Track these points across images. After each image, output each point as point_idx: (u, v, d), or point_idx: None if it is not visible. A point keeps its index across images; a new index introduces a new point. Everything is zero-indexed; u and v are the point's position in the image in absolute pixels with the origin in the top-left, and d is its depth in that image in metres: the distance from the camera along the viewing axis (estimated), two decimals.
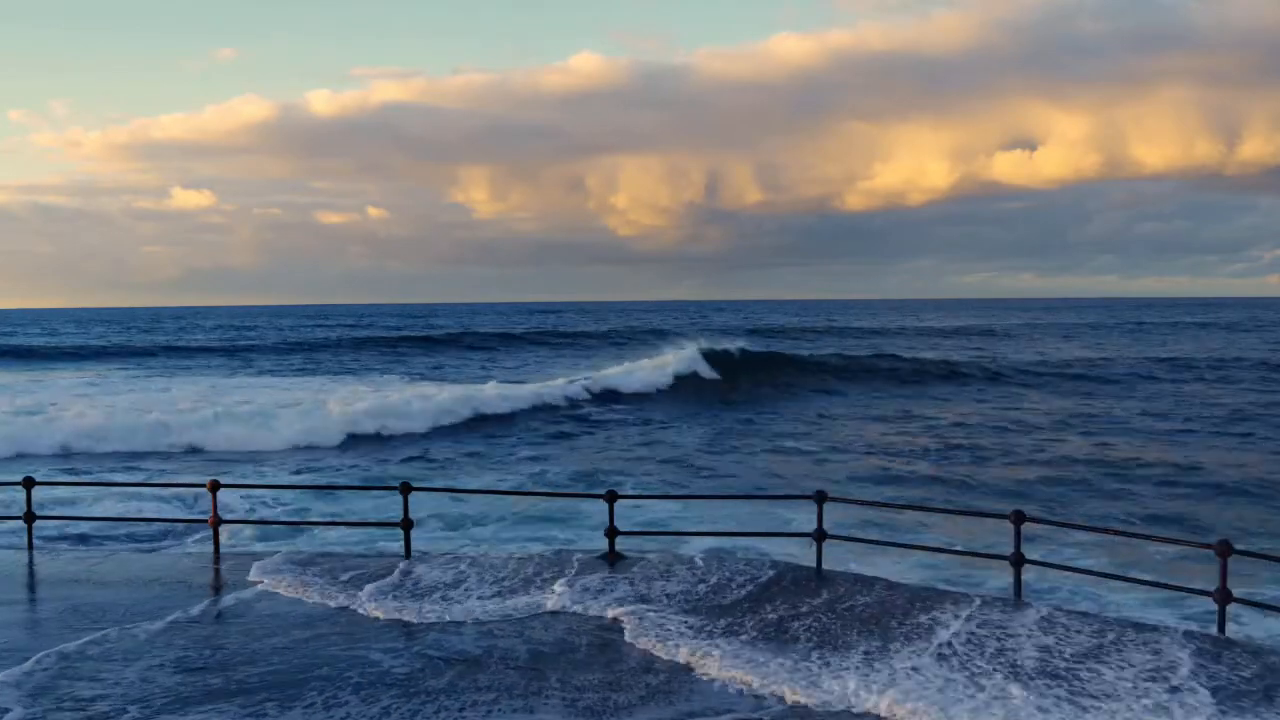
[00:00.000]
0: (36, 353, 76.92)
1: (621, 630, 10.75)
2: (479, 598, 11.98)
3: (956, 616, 10.73)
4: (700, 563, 13.26)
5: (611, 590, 12.08)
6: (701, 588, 12.11)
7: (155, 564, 14.04)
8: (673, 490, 24.64)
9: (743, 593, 11.92)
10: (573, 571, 12.81)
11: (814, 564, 12.91)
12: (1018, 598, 11.54)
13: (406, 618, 11.30)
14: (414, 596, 12.03)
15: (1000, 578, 14.57)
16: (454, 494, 21.84)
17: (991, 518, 15.07)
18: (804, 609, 11.25)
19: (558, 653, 10.13)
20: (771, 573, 12.65)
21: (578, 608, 11.51)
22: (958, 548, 16.32)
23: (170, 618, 11.06)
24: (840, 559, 16.47)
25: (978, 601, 11.30)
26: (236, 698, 8.80)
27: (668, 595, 11.85)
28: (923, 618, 10.74)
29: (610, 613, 11.28)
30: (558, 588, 12.14)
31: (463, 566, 13.24)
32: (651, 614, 11.14)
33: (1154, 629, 10.47)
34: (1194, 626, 11.37)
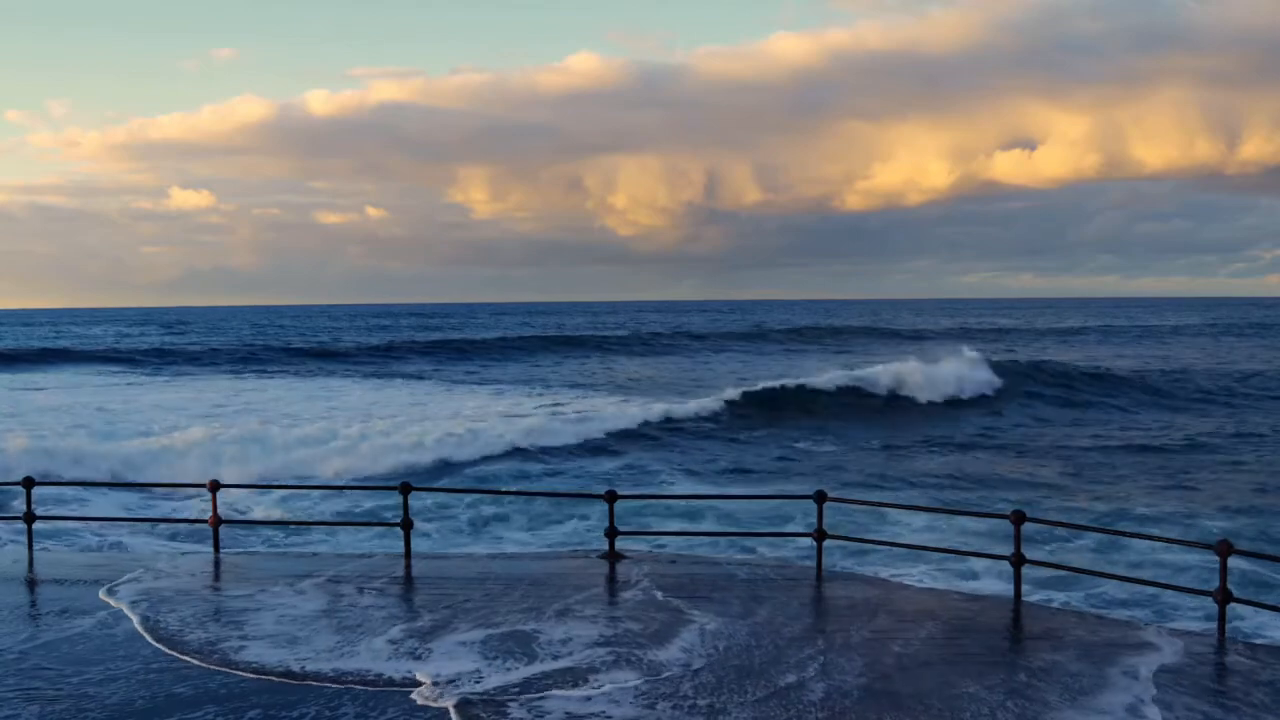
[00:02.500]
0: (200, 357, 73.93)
1: None
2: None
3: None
4: (715, 576, 12.73)
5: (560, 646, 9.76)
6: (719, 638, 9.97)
7: (165, 563, 14.03)
8: None
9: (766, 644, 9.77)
10: (557, 599, 11.37)
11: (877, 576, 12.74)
12: (1017, 597, 11.51)
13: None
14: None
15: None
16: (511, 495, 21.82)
17: (991, 517, 15.09)
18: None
19: None
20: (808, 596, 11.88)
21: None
22: (960, 547, 16.33)
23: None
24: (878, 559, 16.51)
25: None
26: None
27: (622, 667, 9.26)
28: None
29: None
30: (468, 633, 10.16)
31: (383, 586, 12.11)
32: None
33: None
34: (1194, 627, 11.39)
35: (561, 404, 43.64)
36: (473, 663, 9.38)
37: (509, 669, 9.22)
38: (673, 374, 64.10)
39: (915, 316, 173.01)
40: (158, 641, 10.08)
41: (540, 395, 48.75)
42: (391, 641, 10.02)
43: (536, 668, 9.25)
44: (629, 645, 9.86)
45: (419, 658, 9.56)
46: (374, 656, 9.60)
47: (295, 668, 9.32)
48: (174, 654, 9.70)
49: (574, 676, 9.01)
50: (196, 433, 31.82)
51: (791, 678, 8.92)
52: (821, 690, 8.61)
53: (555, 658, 9.54)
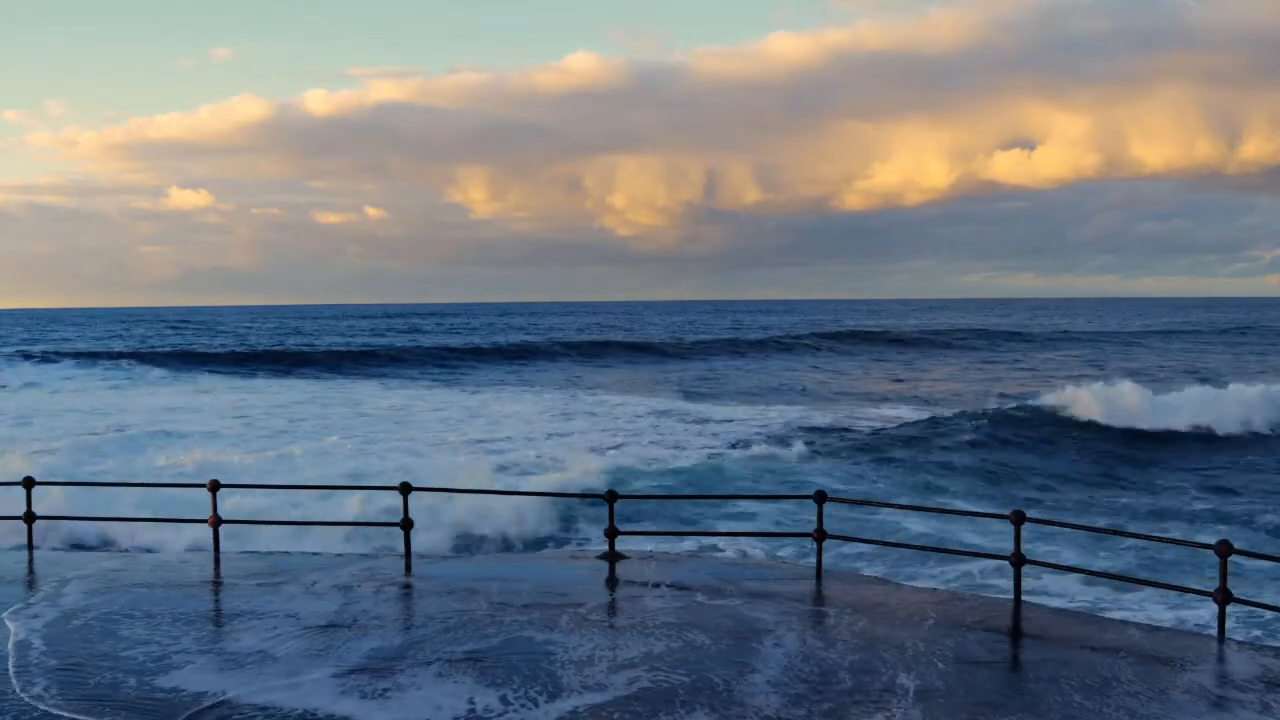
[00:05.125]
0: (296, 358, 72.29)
1: None
2: None
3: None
4: (721, 577, 12.30)
5: None
6: None
7: (160, 565, 14.03)
8: None
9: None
10: (568, 605, 10.67)
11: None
12: (1017, 598, 11.49)
13: None
14: None
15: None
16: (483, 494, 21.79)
17: (992, 518, 15.09)
18: None
19: None
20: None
21: None
22: (959, 547, 16.34)
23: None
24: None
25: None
26: None
27: None
28: None
29: None
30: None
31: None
32: None
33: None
34: (1194, 627, 11.38)
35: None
36: (470, 696, 8.01)
37: (530, 704, 7.85)
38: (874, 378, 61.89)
39: (1019, 319, 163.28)
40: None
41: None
42: (357, 665, 8.99)
43: (565, 704, 7.84)
44: (666, 665, 8.93)
45: (385, 691, 8.31)
46: (325, 687, 8.39)
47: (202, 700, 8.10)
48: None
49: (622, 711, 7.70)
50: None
51: (895, 694, 8.28)
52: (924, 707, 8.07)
53: (586, 688, 8.27)
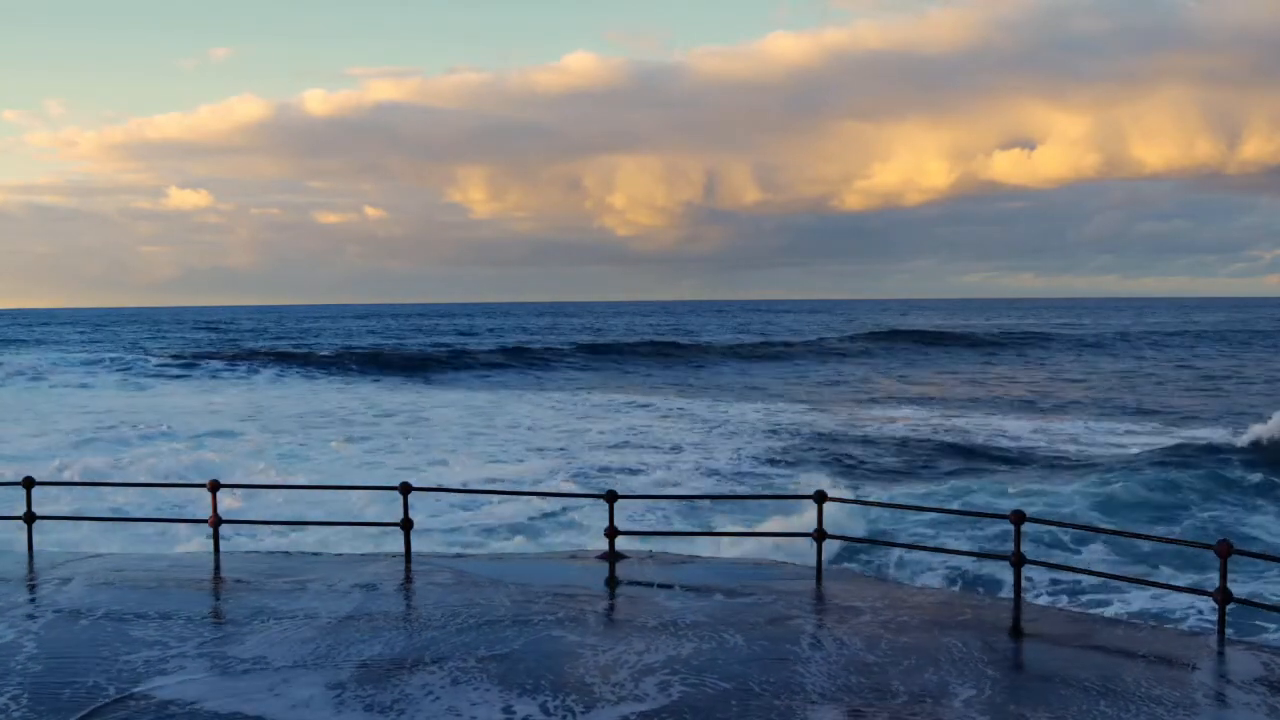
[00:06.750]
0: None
1: None
2: None
3: None
4: (726, 577, 12.12)
5: None
6: None
7: (160, 566, 14.03)
8: None
9: None
10: (577, 606, 10.37)
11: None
12: (1017, 599, 11.49)
13: None
14: None
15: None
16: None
17: (991, 517, 15.09)
18: None
19: None
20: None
21: None
22: (959, 547, 16.33)
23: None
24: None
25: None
26: None
27: None
28: None
29: None
30: None
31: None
32: None
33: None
34: (1193, 626, 11.38)
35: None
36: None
37: (568, 713, 7.52)
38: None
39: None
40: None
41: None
42: (363, 665, 8.83)
43: (604, 715, 7.49)
44: (700, 669, 8.70)
45: (394, 704, 7.87)
46: (323, 693, 8.07)
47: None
48: None
49: None
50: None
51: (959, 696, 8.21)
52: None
53: (621, 697, 7.89)
